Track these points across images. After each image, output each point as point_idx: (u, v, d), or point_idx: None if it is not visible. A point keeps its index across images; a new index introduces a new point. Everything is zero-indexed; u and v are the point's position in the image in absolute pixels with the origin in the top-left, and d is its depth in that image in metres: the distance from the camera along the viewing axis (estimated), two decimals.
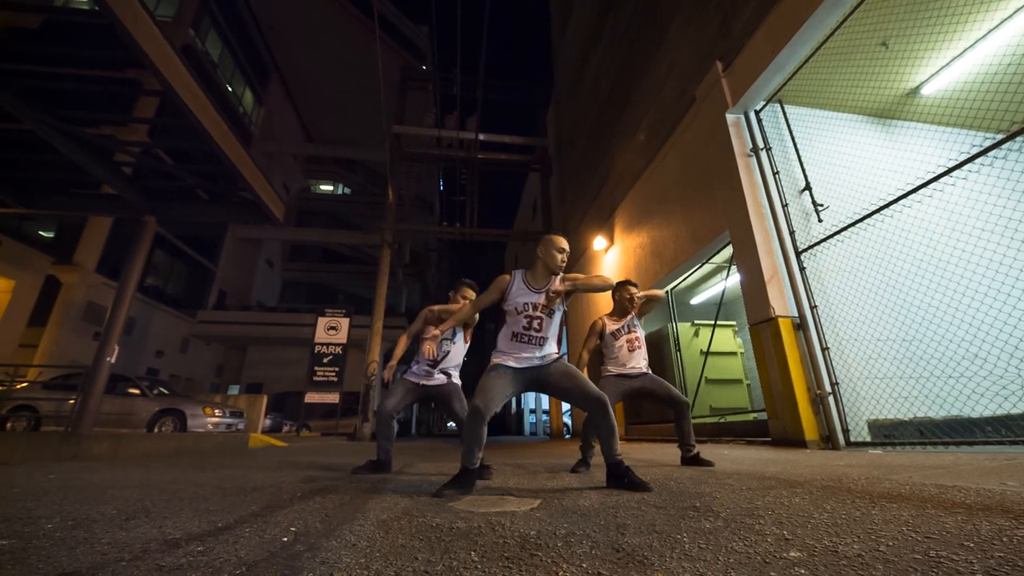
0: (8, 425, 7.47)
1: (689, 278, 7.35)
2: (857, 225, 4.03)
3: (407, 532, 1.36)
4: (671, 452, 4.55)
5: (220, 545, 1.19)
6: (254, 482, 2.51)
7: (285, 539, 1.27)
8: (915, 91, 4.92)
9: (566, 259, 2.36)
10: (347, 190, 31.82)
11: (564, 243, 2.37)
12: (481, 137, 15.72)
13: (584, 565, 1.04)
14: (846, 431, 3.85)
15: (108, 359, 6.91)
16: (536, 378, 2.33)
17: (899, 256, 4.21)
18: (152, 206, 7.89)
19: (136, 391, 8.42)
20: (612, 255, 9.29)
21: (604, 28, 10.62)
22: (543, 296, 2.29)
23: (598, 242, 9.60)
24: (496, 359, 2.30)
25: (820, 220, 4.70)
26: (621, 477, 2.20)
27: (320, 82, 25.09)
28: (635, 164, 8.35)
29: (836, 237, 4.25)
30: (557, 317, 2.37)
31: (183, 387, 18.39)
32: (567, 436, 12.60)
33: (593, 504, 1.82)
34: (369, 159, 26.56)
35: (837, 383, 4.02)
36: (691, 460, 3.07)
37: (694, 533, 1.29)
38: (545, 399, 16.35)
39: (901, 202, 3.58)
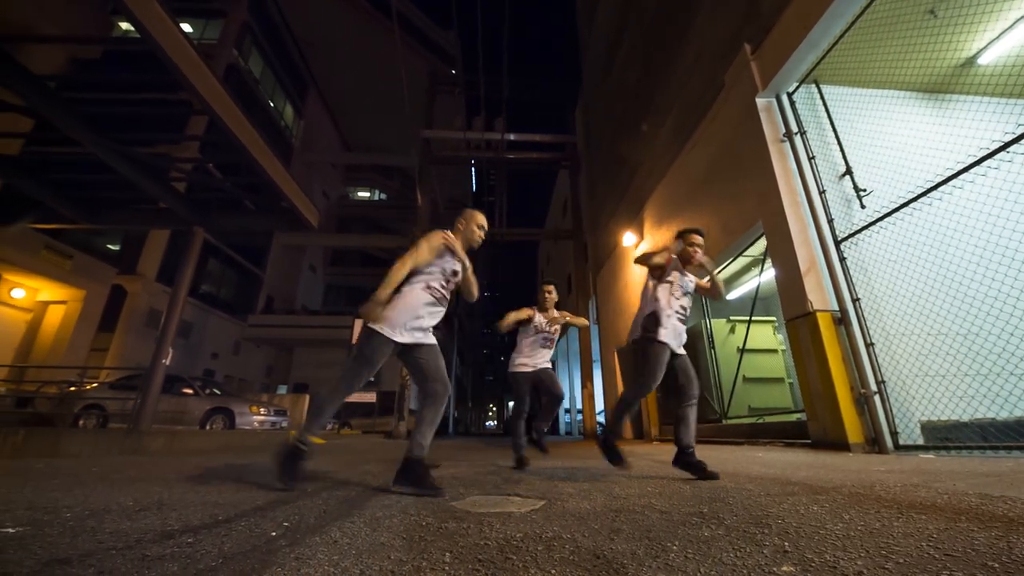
0: (80, 423, 8.20)
1: (723, 272, 7.03)
2: (906, 209, 3.70)
3: (394, 530, 1.37)
4: (702, 454, 4.35)
5: (210, 537, 1.24)
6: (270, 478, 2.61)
7: (274, 533, 1.31)
8: (971, 61, 4.47)
9: (483, 236, 2.54)
10: (383, 195, 32.78)
11: (484, 220, 2.54)
12: (511, 137, 15.76)
13: (553, 571, 1.00)
14: (894, 433, 3.55)
15: (163, 361, 7.43)
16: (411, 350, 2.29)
17: (956, 241, 3.82)
18: (200, 218, 8.41)
19: (190, 391, 9.03)
20: (642, 251, 9.03)
21: (630, 18, 10.36)
22: (460, 265, 2.40)
23: (627, 238, 9.37)
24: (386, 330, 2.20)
25: (863, 206, 4.37)
26: (412, 476, 2.09)
27: (355, 92, 25.99)
28: (663, 157, 8.09)
29: (882, 223, 3.93)
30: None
31: (236, 387, 19.55)
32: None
33: (596, 507, 1.76)
34: (403, 164, 27.23)
35: (883, 381, 3.71)
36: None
37: (687, 541, 1.22)
38: (579, 399, 16.17)
39: (956, 182, 3.26)
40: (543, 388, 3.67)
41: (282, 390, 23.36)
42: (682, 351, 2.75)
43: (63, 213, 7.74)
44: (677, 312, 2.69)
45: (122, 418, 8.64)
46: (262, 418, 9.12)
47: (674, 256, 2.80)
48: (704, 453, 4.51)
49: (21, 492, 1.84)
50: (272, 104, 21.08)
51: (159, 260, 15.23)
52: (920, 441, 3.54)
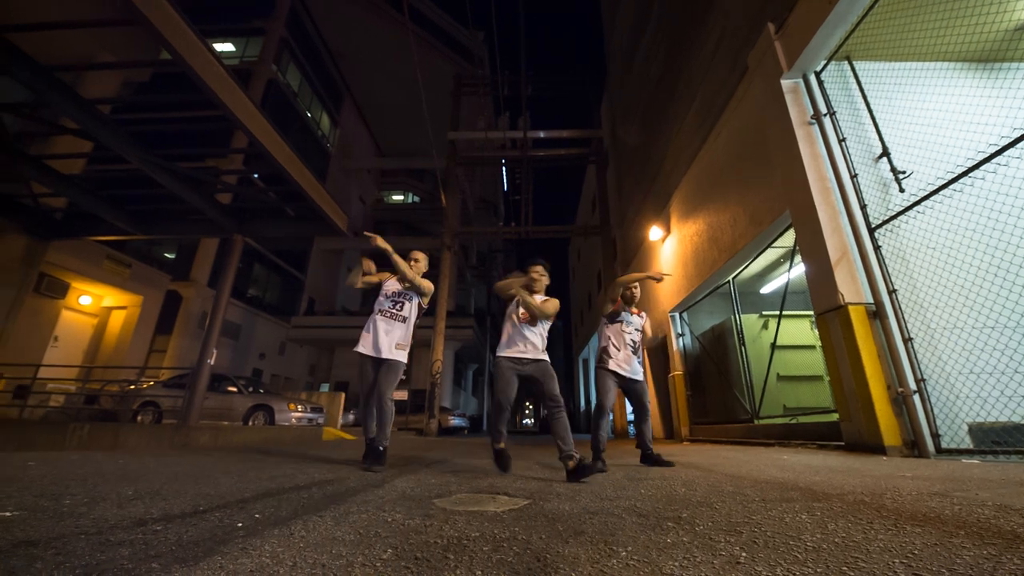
0: (138, 418, 8.91)
1: (754, 265, 6.69)
2: (951, 189, 3.37)
3: (355, 526, 1.39)
4: (723, 455, 4.17)
5: (179, 527, 1.30)
6: (280, 471, 2.72)
7: (240, 524, 1.36)
8: None
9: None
10: (416, 198, 33.49)
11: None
12: (541, 134, 15.66)
13: (478, 572, 0.98)
14: (936, 436, 3.25)
15: (208, 361, 7.93)
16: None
17: (1004, 224, 3.45)
18: (239, 226, 8.92)
19: (234, 389, 9.60)
20: (669, 245, 8.74)
21: (653, 7, 10.04)
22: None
23: (654, 232, 9.09)
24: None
25: (902, 190, 4.02)
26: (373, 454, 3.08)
27: (387, 99, 26.71)
28: (688, 147, 7.78)
29: (920, 207, 3.60)
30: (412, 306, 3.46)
31: (282, 386, 20.59)
32: (633, 436, 12.09)
33: (575, 509, 1.72)
34: (433, 167, 27.74)
35: (924, 379, 3.41)
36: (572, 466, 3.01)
37: (643, 547, 1.16)
38: None
39: (1002, 158, 2.94)
40: (536, 384, 3.05)
41: (324, 388, 24.39)
42: (639, 378, 3.48)
43: (120, 226, 8.42)
44: (628, 344, 3.47)
45: (174, 414, 9.32)
46: (299, 415, 9.56)
47: (621, 300, 3.61)
48: (727, 454, 4.32)
49: (42, 481, 2.02)
50: (309, 115, 22.00)
51: (210, 267, 16.27)
52: (967, 444, 3.22)
